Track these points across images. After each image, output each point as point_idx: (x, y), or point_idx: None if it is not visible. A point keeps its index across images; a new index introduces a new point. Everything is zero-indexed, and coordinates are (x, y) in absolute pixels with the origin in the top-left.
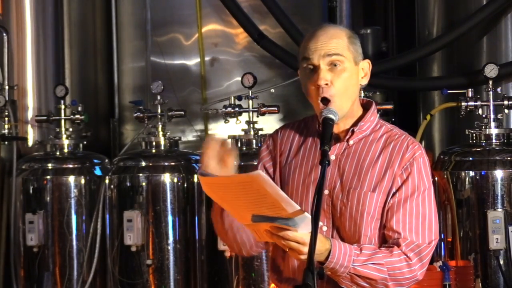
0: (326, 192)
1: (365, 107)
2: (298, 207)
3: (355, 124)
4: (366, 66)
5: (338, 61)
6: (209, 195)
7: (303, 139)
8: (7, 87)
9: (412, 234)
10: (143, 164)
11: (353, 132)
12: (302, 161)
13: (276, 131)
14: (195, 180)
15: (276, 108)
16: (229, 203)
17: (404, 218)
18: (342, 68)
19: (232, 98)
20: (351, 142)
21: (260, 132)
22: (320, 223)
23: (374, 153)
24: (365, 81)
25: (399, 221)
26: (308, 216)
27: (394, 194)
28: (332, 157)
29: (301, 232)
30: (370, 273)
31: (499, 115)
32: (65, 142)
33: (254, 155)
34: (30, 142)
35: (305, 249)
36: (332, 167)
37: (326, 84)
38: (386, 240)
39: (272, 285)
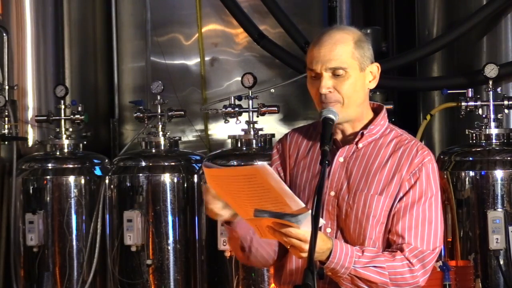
0: (332, 193)
1: (376, 111)
2: (302, 204)
3: (365, 127)
4: (374, 69)
5: (341, 71)
6: (213, 188)
7: (312, 143)
8: (7, 87)
9: (416, 240)
10: (143, 164)
11: (362, 135)
12: (310, 164)
13: (286, 135)
14: (195, 180)
15: (276, 108)
16: (232, 196)
17: (410, 224)
18: (346, 76)
19: (232, 98)
20: (360, 145)
21: (260, 132)
22: (323, 222)
23: (383, 157)
24: (373, 85)
25: (405, 226)
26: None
27: (401, 198)
28: (341, 160)
29: (304, 229)
30: (371, 276)
31: (499, 115)
32: (65, 142)
33: (254, 155)
34: (30, 142)
35: (307, 246)
36: (340, 169)
37: (330, 92)
38: (390, 245)
39: (272, 285)
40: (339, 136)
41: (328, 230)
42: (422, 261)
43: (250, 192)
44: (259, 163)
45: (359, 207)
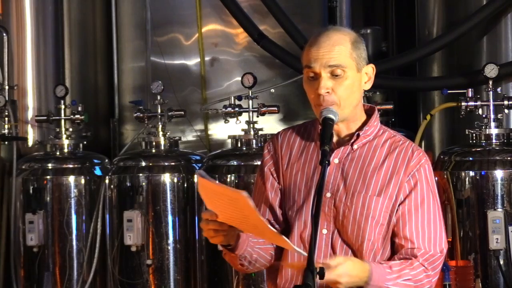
0: (328, 195)
1: (368, 112)
2: (287, 240)
3: (360, 129)
4: (370, 70)
5: (339, 71)
6: (202, 197)
7: (304, 143)
8: (7, 87)
9: (424, 244)
10: (143, 164)
11: (358, 136)
12: (304, 165)
13: (276, 136)
14: (195, 180)
15: (276, 108)
16: (219, 208)
17: (417, 227)
18: (344, 77)
19: (232, 98)
20: (355, 146)
21: (260, 132)
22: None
23: (378, 158)
24: (368, 86)
25: (412, 230)
26: (293, 246)
27: (403, 202)
28: (336, 161)
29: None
30: None
31: (499, 115)
32: (65, 142)
33: (254, 155)
34: (30, 142)
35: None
36: (335, 170)
37: (328, 92)
38: (397, 249)
39: None
40: (334, 138)
41: (324, 231)
42: (433, 264)
43: (234, 211)
44: (242, 191)
45: (357, 209)
